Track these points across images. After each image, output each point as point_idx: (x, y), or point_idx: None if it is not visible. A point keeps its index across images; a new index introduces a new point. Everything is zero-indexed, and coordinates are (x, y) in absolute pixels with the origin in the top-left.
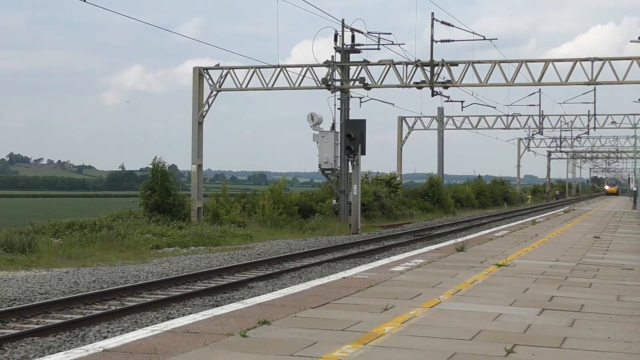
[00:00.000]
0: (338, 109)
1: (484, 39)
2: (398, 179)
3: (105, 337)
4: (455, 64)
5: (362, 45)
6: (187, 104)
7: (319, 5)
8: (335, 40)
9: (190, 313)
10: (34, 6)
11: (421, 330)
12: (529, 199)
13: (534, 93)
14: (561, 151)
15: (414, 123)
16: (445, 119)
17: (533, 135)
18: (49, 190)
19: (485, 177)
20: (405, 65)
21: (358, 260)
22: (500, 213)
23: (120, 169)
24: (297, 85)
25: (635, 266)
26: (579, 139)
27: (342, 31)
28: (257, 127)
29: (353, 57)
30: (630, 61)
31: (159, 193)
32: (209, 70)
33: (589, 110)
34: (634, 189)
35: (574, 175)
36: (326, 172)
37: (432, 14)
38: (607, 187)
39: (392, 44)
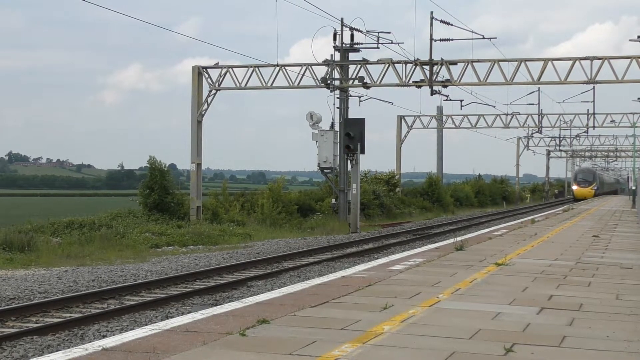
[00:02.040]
0: (337, 108)
1: (483, 37)
2: (397, 177)
3: (104, 336)
4: (454, 62)
5: (362, 44)
6: (186, 103)
7: (318, 4)
8: (335, 39)
9: (189, 312)
10: (33, 5)
11: (420, 329)
12: (528, 198)
13: (533, 92)
14: (560, 150)
15: (413, 122)
16: (444, 118)
17: (532, 134)
18: (48, 189)
19: (484, 176)
20: (404, 64)
21: (357, 259)
22: (499, 212)
23: (119, 168)
24: (296, 84)
25: (634, 265)
26: (578, 138)
27: (342, 30)
28: (257, 126)
29: (352, 56)
30: (629, 60)
31: (157, 192)
32: (208, 69)
33: (588, 109)
34: (633, 187)
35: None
36: (325, 171)
37: (432, 12)
38: (575, 187)
39: (392, 43)
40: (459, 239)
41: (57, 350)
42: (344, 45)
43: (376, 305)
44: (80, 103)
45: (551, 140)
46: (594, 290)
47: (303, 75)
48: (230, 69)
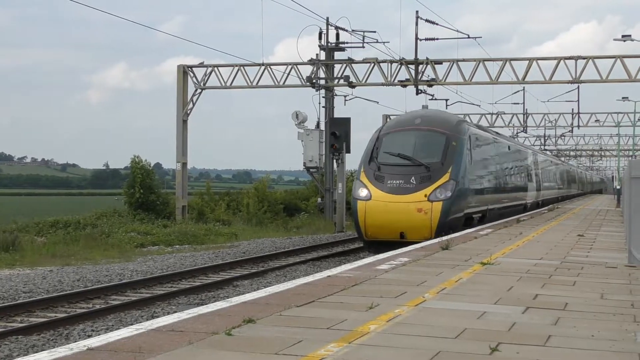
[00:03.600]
0: (323, 107)
1: (468, 37)
2: None
3: (89, 336)
4: (439, 62)
5: (347, 43)
6: (171, 102)
7: (304, 3)
8: (320, 38)
9: (175, 312)
10: (20, 4)
11: (406, 329)
12: None
13: (518, 91)
14: (545, 149)
15: None
16: None
17: (517, 133)
18: (33, 189)
19: None
20: (389, 64)
21: (343, 258)
22: None
23: (104, 167)
24: (281, 83)
25: (619, 264)
26: (562, 138)
27: (327, 29)
28: (242, 125)
29: (337, 55)
30: (613, 60)
31: (139, 191)
32: (193, 69)
33: (572, 109)
34: (618, 187)
35: None
36: (311, 170)
37: (417, 12)
38: (362, 192)
39: (377, 42)
40: (444, 238)
41: (42, 350)
42: (329, 44)
43: (362, 304)
44: (65, 102)
45: (536, 140)
46: (579, 290)
47: (288, 74)
48: (215, 68)
